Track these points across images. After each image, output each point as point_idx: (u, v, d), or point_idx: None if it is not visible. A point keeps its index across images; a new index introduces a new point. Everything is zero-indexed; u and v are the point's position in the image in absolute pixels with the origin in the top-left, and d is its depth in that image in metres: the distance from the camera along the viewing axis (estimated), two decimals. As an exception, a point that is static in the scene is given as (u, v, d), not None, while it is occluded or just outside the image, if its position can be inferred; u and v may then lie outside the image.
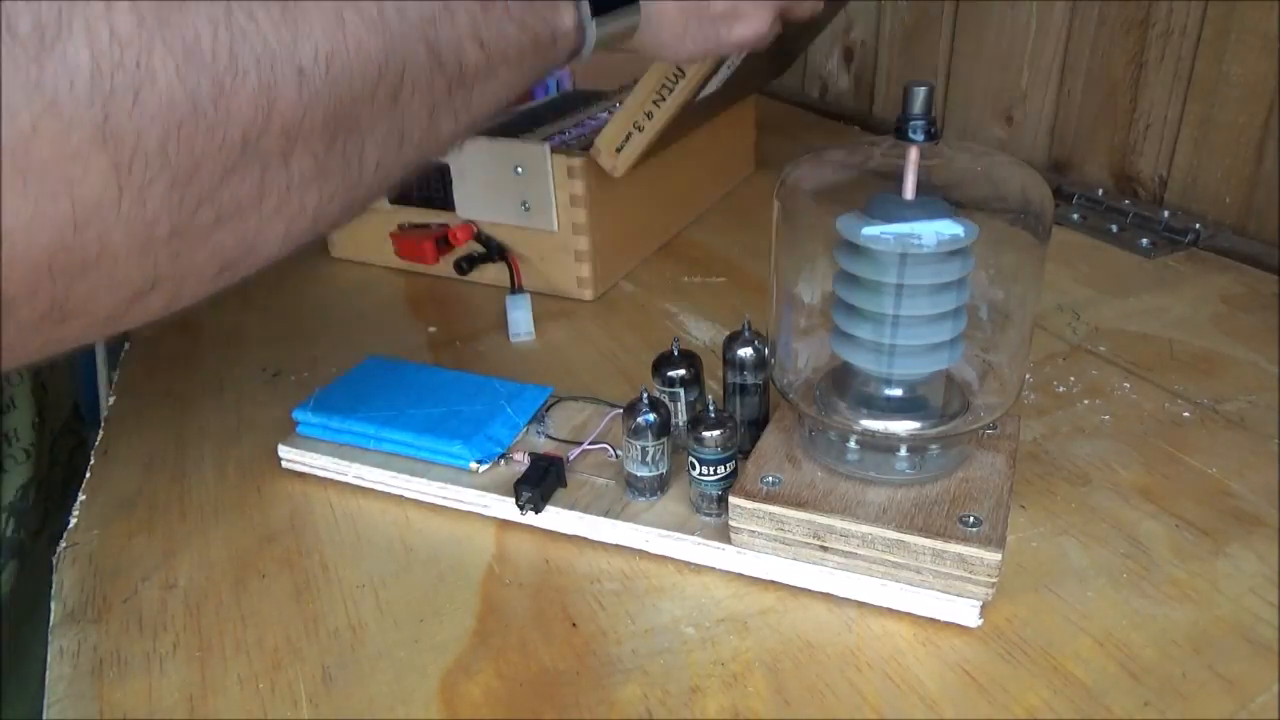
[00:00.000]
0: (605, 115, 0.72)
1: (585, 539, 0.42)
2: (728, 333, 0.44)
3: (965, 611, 0.36)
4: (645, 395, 0.40)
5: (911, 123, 0.35)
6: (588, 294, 0.64)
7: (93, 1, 0.22)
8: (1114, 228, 0.71)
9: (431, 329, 0.61)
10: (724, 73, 0.60)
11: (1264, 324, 0.57)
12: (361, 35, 0.27)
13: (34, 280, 0.24)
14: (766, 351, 0.42)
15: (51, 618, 0.39)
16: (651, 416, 0.40)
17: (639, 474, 0.41)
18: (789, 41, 0.81)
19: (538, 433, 0.47)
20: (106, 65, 0.23)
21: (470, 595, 0.39)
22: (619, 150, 0.58)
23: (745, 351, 0.43)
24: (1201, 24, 0.69)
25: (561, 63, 0.37)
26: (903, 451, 0.38)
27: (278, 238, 0.29)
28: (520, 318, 0.60)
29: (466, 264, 0.64)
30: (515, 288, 0.62)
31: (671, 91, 0.56)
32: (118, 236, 0.25)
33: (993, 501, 0.37)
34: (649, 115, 0.57)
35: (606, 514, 0.41)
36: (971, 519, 0.36)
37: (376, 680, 0.35)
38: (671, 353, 0.44)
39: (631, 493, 0.42)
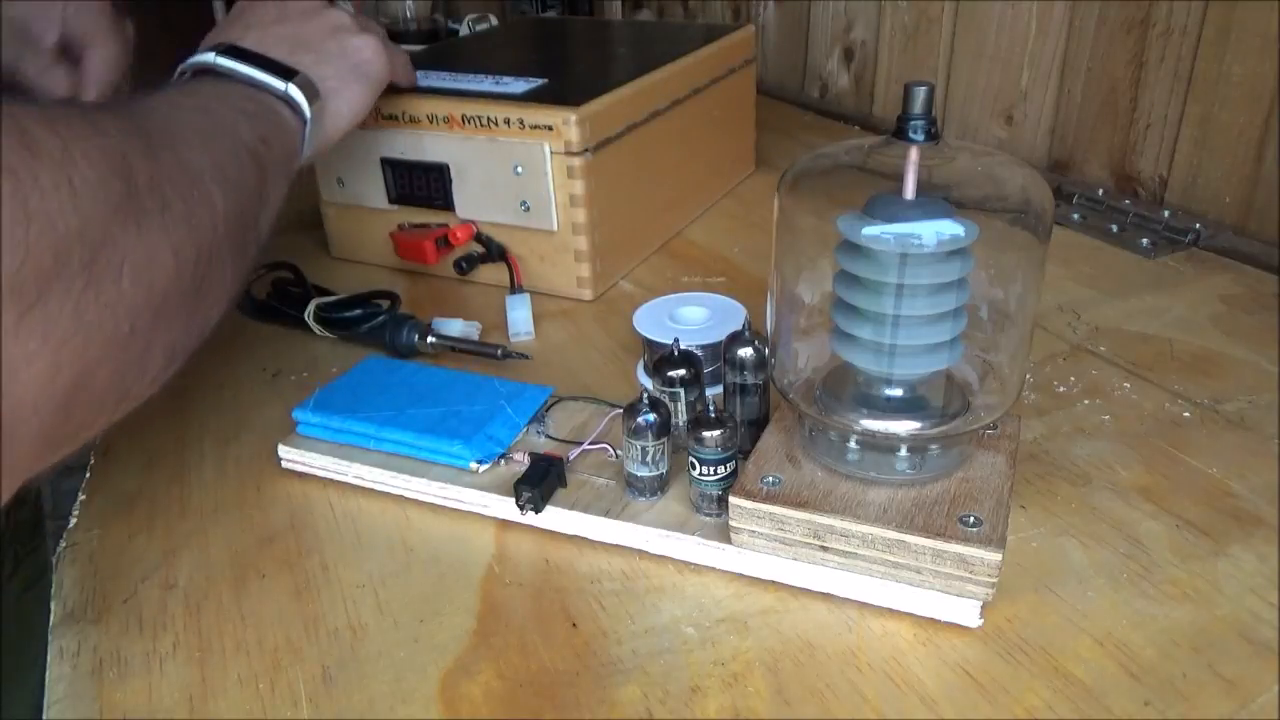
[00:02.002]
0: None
1: (585, 539, 0.42)
2: (728, 333, 0.44)
3: (965, 611, 0.36)
4: (645, 395, 0.40)
5: (911, 123, 0.35)
6: (587, 294, 0.64)
7: None
8: (1114, 228, 0.71)
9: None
10: None
11: (1264, 324, 0.57)
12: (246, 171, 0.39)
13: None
14: (766, 351, 0.42)
15: (51, 618, 0.39)
16: (651, 416, 0.40)
17: (639, 474, 0.41)
18: None
19: (538, 433, 0.47)
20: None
21: (470, 595, 0.39)
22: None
23: (745, 351, 0.43)
24: (1201, 24, 0.69)
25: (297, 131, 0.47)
26: (903, 451, 0.38)
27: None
28: (520, 318, 0.60)
29: (466, 264, 0.64)
30: (515, 288, 0.62)
31: None
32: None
33: (993, 501, 0.37)
34: None
35: (606, 514, 0.41)
36: (971, 519, 0.36)
37: (376, 680, 0.35)
38: (671, 353, 0.44)
39: (631, 493, 0.42)
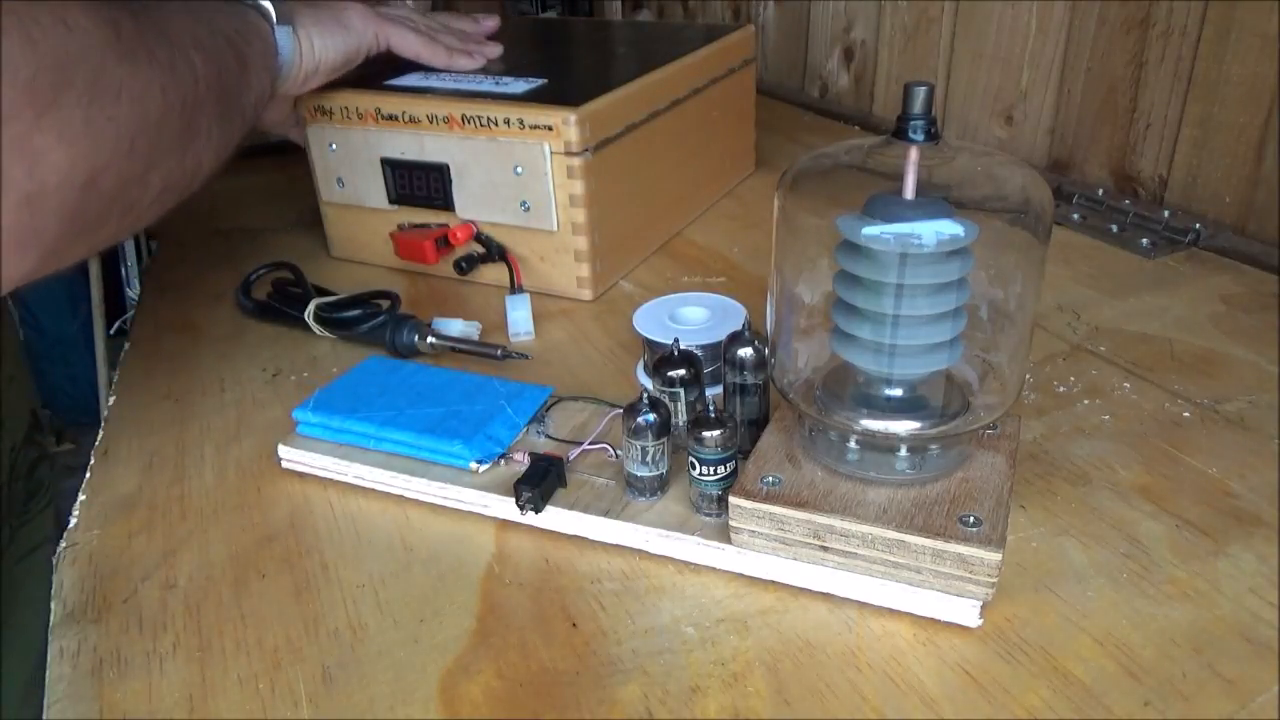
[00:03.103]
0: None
1: (585, 539, 0.42)
2: (728, 333, 0.44)
3: (965, 611, 0.36)
4: (645, 395, 0.40)
5: (911, 123, 0.35)
6: (587, 294, 0.64)
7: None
8: (1114, 228, 0.71)
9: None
10: None
11: (1264, 324, 0.57)
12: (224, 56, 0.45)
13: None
14: (766, 351, 0.42)
15: (51, 617, 0.39)
16: (651, 416, 0.40)
17: (639, 474, 0.41)
18: None
19: (538, 433, 0.47)
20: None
21: (470, 595, 0.39)
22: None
23: (745, 351, 0.43)
24: (1201, 24, 0.69)
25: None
26: (903, 451, 0.38)
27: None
28: (520, 318, 0.60)
29: (466, 264, 0.64)
30: (515, 288, 0.62)
31: None
32: None
33: (993, 501, 0.37)
34: None
35: (606, 514, 0.41)
36: (971, 519, 0.36)
37: (376, 680, 0.35)
38: (671, 353, 0.44)
39: (631, 493, 0.42)
